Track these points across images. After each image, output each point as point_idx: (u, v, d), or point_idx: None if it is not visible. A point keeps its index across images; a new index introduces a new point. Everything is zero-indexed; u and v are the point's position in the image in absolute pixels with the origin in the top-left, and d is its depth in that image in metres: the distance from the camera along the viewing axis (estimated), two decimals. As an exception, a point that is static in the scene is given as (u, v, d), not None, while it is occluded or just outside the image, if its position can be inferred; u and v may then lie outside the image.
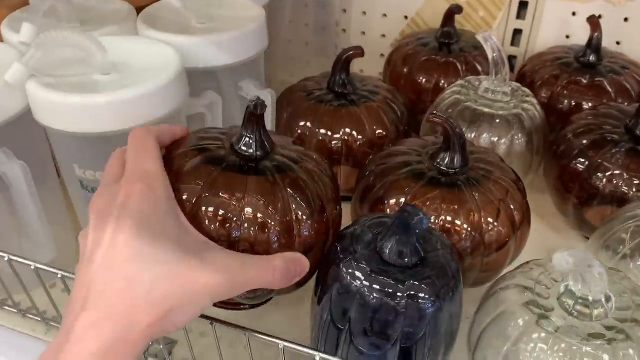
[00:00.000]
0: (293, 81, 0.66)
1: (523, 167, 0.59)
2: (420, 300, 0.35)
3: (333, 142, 0.58)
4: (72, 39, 0.45)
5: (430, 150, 0.50)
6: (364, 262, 0.36)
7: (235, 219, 0.35)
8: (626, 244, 0.44)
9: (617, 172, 0.51)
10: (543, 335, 0.36)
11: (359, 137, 0.58)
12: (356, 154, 0.59)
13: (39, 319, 0.50)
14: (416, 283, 0.35)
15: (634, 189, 0.51)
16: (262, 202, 0.36)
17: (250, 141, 0.39)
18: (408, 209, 0.35)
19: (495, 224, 0.46)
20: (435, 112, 0.48)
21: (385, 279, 0.35)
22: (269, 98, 0.55)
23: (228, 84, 0.57)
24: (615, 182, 0.51)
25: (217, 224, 0.35)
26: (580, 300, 0.36)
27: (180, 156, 0.38)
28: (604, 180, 0.52)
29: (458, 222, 0.45)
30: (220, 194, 0.36)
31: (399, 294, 0.35)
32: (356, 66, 0.85)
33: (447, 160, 0.48)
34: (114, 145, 0.46)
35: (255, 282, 0.33)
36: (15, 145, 0.46)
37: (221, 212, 0.35)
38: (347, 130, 0.58)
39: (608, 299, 0.36)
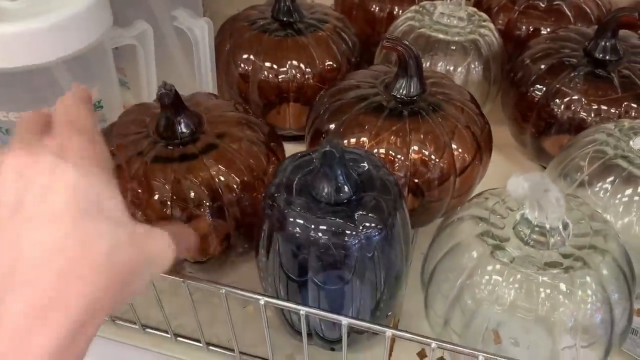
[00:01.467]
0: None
1: (480, 96, 0.56)
2: (370, 227, 0.33)
3: (280, 77, 0.54)
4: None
5: (386, 79, 0.47)
6: (304, 210, 0.33)
7: None
8: (584, 170, 0.42)
9: (575, 97, 0.49)
10: (498, 266, 0.34)
11: (308, 69, 0.54)
12: (306, 89, 0.55)
13: None
14: (362, 213, 0.33)
15: (593, 114, 0.49)
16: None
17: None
18: (327, 148, 0.32)
19: (461, 147, 0.44)
20: (388, 36, 0.44)
21: (331, 218, 0.33)
22: (205, 28, 0.50)
23: (161, 13, 0.52)
24: (573, 107, 0.49)
25: None
26: (536, 229, 0.34)
27: None
28: (562, 106, 0.50)
29: (427, 152, 0.43)
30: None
31: (347, 231, 0.33)
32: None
33: (404, 88, 0.45)
34: (24, 83, 0.41)
35: (181, 253, 0.30)
36: None
37: None
38: (294, 62, 0.54)
39: (565, 226, 0.34)
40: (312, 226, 0.33)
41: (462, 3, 0.55)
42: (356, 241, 0.33)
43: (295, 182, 0.35)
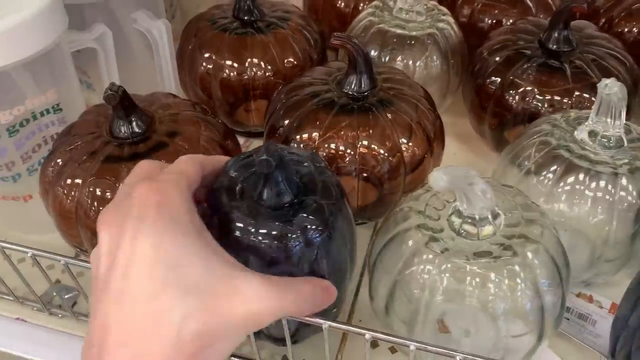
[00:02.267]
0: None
1: (440, 89, 0.57)
2: (310, 229, 0.33)
3: (241, 75, 0.55)
4: None
5: (338, 76, 0.48)
6: (247, 215, 0.33)
7: None
8: (531, 159, 0.43)
9: (528, 88, 0.50)
10: (430, 256, 0.34)
11: (269, 67, 0.55)
12: (268, 87, 0.56)
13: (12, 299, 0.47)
14: (303, 215, 0.33)
15: (546, 105, 0.49)
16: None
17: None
18: (263, 156, 0.31)
19: (411, 142, 0.45)
20: (336, 34, 0.45)
21: (271, 222, 0.33)
22: (162, 29, 0.51)
23: (122, 15, 0.54)
24: (526, 98, 0.50)
25: None
26: (467, 219, 0.35)
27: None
28: (516, 97, 0.50)
29: (375, 146, 0.44)
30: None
31: (288, 234, 0.33)
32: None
33: (354, 84, 0.46)
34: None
35: (290, 308, 0.29)
36: None
37: None
38: (255, 60, 0.55)
39: (495, 216, 0.35)
40: (253, 230, 0.32)
41: (420, -3, 0.56)
42: (296, 243, 0.33)
43: (238, 184, 0.34)
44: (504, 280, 0.33)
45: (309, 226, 0.33)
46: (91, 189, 0.40)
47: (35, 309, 0.46)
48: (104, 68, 0.50)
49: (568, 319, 0.44)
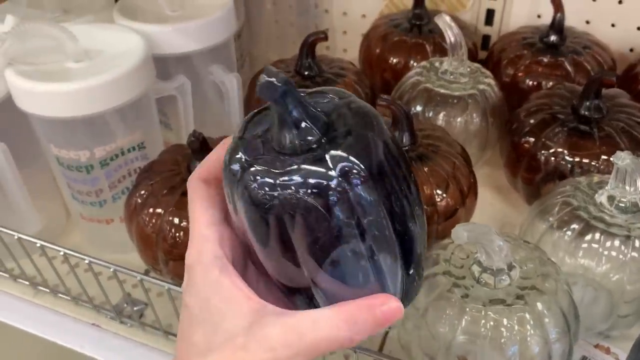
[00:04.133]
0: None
1: (479, 143, 0.62)
2: (354, 168, 0.25)
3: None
4: (44, 29, 0.49)
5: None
6: (266, 167, 0.26)
7: None
8: (554, 215, 0.47)
9: (559, 149, 0.54)
10: (452, 300, 0.39)
11: (324, 116, 0.62)
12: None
13: (28, 283, 0.56)
14: (338, 152, 0.25)
15: (575, 166, 0.54)
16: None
17: None
18: (263, 81, 0.25)
19: (445, 194, 0.50)
20: (381, 96, 0.51)
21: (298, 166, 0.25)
22: (234, 82, 0.59)
23: (200, 68, 0.62)
24: (557, 159, 0.54)
25: None
26: (486, 270, 0.39)
27: None
28: (548, 157, 0.55)
29: None
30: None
31: (330, 173, 0.25)
32: (339, 45, 0.88)
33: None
34: (85, 125, 0.50)
35: (325, 345, 0.26)
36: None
37: None
38: (312, 110, 0.62)
39: (511, 268, 0.39)
40: (279, 181, 0.25)
41: (464, 60, 0.61)
42: (336, 194, 0.25)
43: (253, 140, 0.27)
44: (514, 325, 0.38)
45: (345, 163, 0.25)
46: (170, 218, 0.47)
47: (108, 317, 0.54)
48: (182, 112, 0.58)
49: (584, 368, 0.48)
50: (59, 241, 0.62)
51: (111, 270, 0.47)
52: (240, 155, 0.26)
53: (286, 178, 0.25)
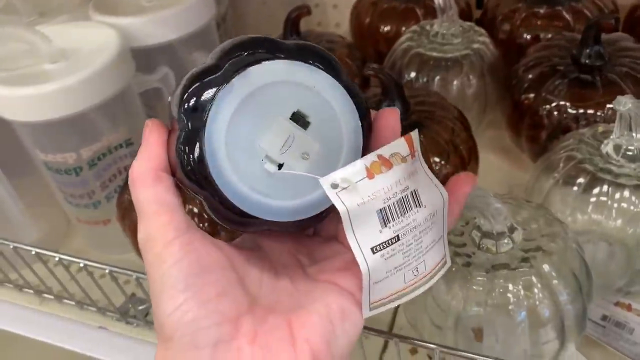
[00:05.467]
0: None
1: (479, 105, 0.60)
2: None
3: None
4: (15, 33, 0.48)
5: (371, 102, 0.52)
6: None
7: None
8: (559, 171, 0.45)
9: (561, 102, 0.51)
10: (453, 269, 0.38)
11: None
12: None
13: (33, 292, 0.56)
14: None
15: (579, 118, 0.51)
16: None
17: None
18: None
19: (444, 161, 0.48)
20: (368, 65, 0.49)
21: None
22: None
23: (185, 57, 0.60)
24: (560, 113, 0.51)
25: None
26: (488, 235, 0.37)
27: None
28: (550, 112, 0.52)
29: None
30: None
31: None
32: (331, 21, 0.86)
33: None
34: (68, 127, 0.49)
35: None
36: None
37: None
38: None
39: (513, 231, 0.37)
40: None
41: (455, 20, 0.59)
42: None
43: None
44: (520, 290, 0.36)
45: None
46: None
47: (114, 318, 0.53)
48: (168, 104, 0.57)
49: (604, 327, 0.45)
50: (62, 247, 0.62)
51: (107, 271, 0.46)
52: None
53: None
